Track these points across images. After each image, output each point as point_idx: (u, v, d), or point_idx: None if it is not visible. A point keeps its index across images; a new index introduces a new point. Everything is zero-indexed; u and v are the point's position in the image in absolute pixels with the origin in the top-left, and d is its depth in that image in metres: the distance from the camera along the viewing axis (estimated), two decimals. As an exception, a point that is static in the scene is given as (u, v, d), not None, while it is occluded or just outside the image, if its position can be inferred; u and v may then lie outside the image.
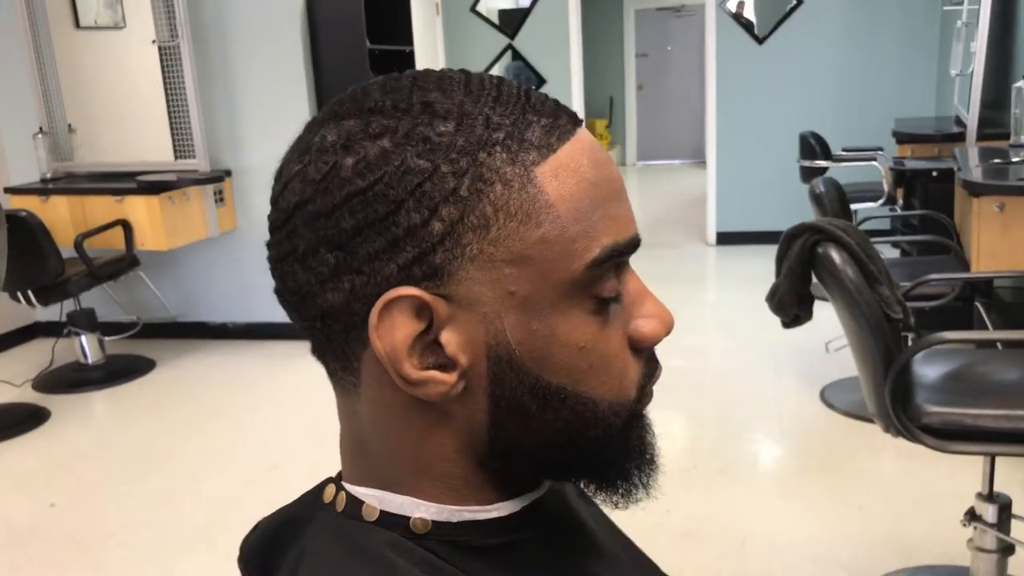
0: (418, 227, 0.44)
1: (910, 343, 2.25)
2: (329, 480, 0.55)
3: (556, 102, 0.49)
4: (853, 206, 3.92)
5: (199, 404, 3.84)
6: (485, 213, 0.45)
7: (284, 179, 0.48)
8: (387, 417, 0.49)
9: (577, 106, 6.35)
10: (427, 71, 0.49)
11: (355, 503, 0.51)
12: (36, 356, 4.43)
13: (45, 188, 4.17)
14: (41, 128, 4.35)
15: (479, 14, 6.27)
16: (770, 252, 2.07)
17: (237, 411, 3.75)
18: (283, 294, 0.50)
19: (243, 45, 4.27)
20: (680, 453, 3.07)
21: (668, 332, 0.52)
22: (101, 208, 4.03)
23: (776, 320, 2.11)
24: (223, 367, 4.27)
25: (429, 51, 5.95)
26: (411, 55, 4.85)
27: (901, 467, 2.87)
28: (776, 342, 3.96)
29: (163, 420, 3.68)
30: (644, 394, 0.52)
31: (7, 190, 4.22)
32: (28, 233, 3.64)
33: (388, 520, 0.50)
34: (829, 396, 3.36)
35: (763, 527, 2.55)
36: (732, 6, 5.89)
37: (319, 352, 0.51)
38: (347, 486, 0.52)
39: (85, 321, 4.10)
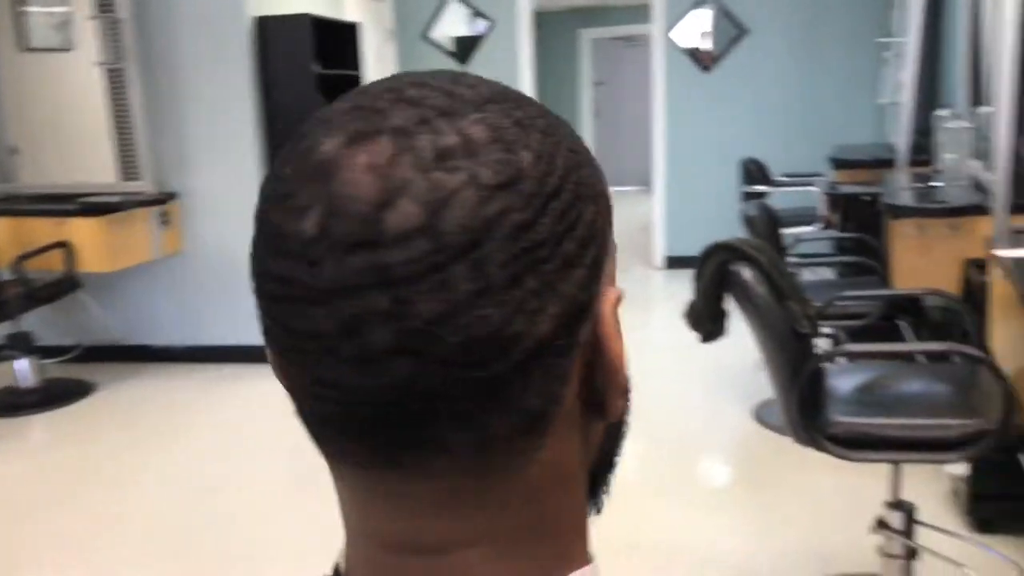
0: (593, 223, 0.38)
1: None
2: None
3: None
4: (791, 230, 4.02)
5: (138, 428, 3.80)
6: (609, 214, 0.40)
7: (423, 198, 0.33)
8: (568, 472, 0.41)
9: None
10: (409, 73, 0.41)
11: None
12: (-27, 380, 4.36)
13: (-16, 209, 4.13)
14: (-18, 149, 4.32)
15: (431, 40, 6.35)
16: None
17: (177, 435, 3.72)
18: (455, 360, 0.34)
19: (191, 67, 4.28)
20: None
21: None
22: (42, 229, 4.00)
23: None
24: (164, 390, 4.23)
25: (381, 76, 6.01)
26: (359, 80, 4.91)
27: (830, 481, 2.93)
28: (714, 363, 4.03)
29: (100, 445, 3.64)
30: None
31: (-55, 211, 4.17)
32: (-36, 254, 3.60)
33: None
34: (761, 413, 3.43)
35: (692, 541, 2.59)
36: (677, 36, 6.03)
37: (449, 435, 0.36)
38: None
39: (22, 344, 4.05)
